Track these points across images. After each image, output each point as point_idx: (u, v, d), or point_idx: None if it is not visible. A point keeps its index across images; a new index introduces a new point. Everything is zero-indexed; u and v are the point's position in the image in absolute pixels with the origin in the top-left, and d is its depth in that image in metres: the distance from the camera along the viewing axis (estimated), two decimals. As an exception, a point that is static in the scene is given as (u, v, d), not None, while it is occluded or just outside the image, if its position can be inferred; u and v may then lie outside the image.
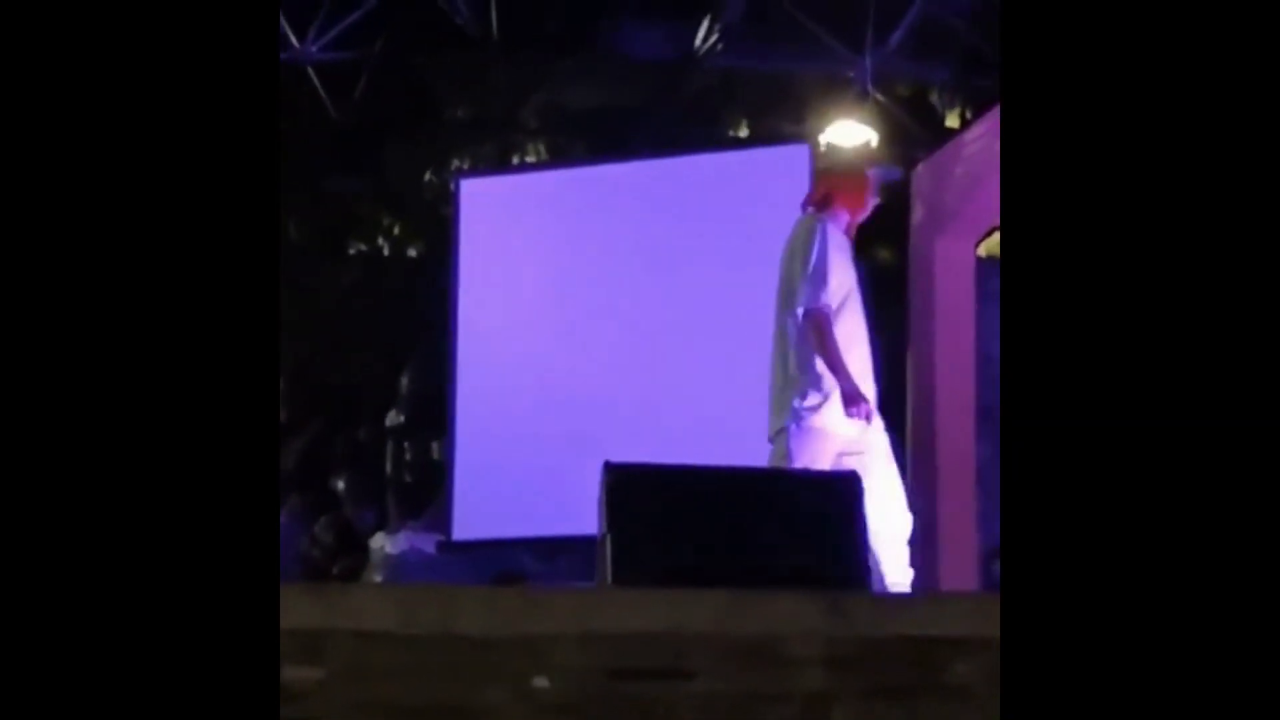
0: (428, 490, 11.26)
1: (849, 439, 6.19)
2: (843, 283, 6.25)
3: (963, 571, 8.62)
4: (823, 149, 12.55)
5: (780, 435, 6.19)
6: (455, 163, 13.76)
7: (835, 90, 11.76)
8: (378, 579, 10.15)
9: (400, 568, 10.05)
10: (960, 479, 8.73)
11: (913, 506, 8.98)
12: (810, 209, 6.69)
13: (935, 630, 3.15)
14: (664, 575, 4.17)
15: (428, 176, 13.59)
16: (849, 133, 12.80)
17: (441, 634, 3.29)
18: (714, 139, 13.59)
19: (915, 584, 6.46)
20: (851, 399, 6.09)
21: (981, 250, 10.57)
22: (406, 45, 13.03)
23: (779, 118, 13.21)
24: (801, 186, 8.77)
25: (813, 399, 6.15)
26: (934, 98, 13.85)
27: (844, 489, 4.95)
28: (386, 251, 13.71)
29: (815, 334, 6.10)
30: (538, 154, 14.36)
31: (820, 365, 6.13)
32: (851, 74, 9.28)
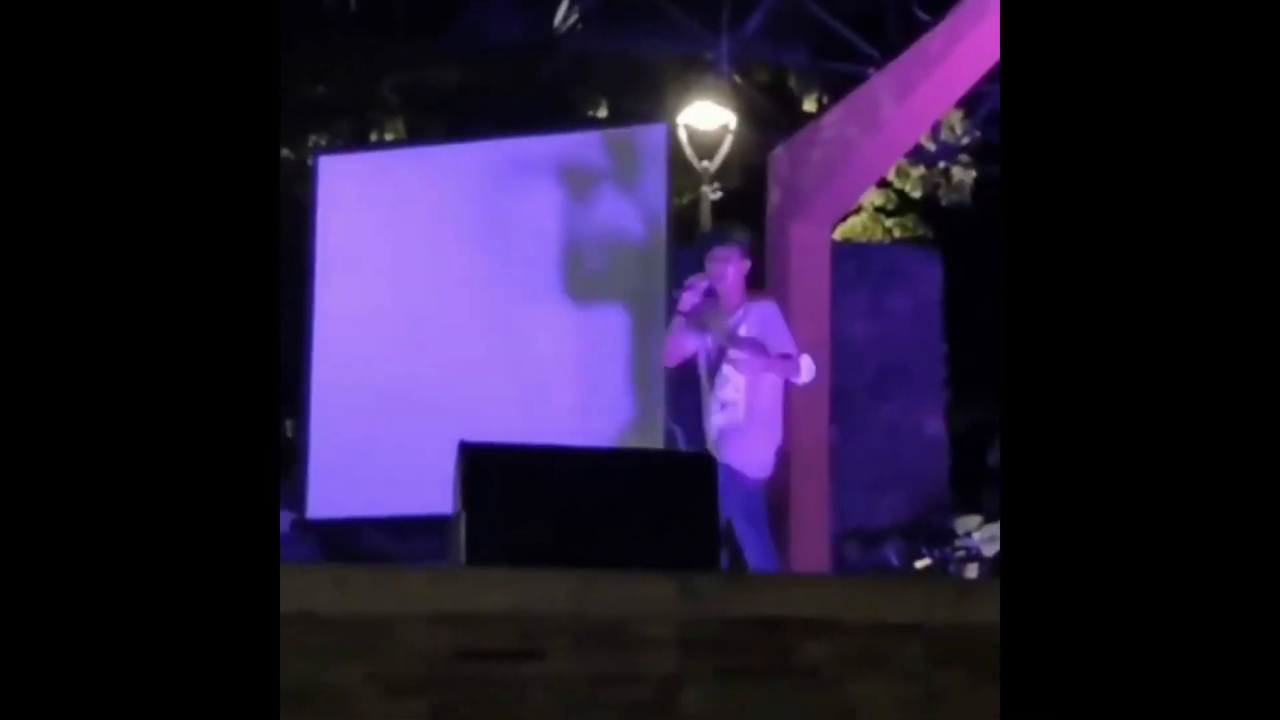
0: (282, 469, 11.17)
1: None
2: None
3: (814, 553, 8.70)
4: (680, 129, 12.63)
5: None
6: (312, 140, 13.61)
7: (694, 72, 11.79)
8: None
9: (253, 547, 9.92)
10: (813, 461, 8.80)
11: (768, 488, 9.09)
12: None
13: (785, 611, 3.17)
14: (518, 555, 4.17)
15: (284, 153, 13.47)
16: (707, 114, 12.87)
17: (294, 612, 3.27)
18: (573, 119, 13.58)
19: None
20: None
21: (837, 234, 10.66)
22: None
23: (637, 99, 13.24)
24: (659, 166, 8.83)
25: None
26: (791, 82, 13.95)
27: (697, 470, 4.98)
28: (240, 228, 13.55)
29: None
30: (396, 132, 14.26)
31: None
32: (710, 56, 9.29)
